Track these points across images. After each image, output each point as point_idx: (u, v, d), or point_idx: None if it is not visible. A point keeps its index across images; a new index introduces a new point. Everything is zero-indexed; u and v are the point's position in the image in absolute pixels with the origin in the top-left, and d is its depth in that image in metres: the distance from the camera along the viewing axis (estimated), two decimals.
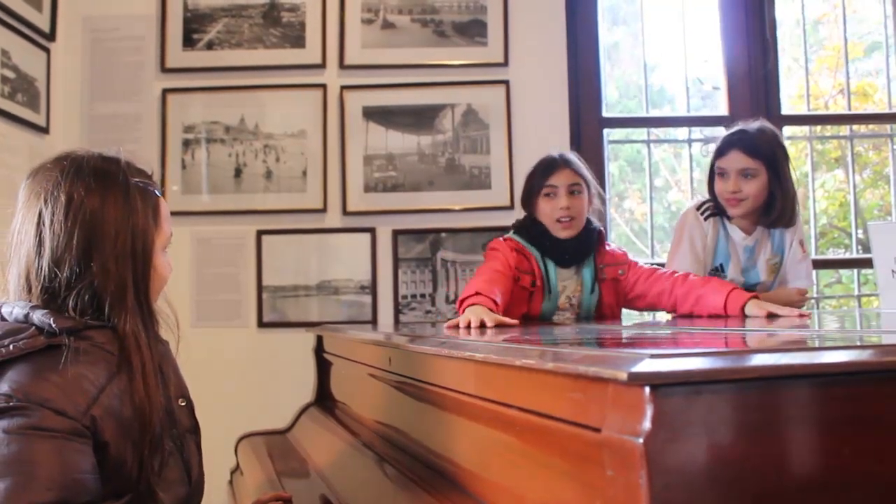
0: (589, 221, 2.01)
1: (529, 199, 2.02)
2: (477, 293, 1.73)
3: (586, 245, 2.01)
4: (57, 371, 0.97)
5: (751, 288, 2.08)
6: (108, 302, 1.05)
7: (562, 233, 1.96)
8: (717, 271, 2.10)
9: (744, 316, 1.72)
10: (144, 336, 1.07)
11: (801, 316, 1.62)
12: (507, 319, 1.65)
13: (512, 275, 1.90)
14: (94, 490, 0.97)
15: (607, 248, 2.06)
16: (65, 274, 1.04)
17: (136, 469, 1.02)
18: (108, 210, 1.06)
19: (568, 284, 2.00)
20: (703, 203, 2.13)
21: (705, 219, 2.11)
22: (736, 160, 2.01)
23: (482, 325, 1.57)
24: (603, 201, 2.11)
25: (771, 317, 1.64)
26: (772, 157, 2.02)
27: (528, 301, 1.95)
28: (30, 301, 1.05)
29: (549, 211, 1.96)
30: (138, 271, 1.08)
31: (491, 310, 1.66)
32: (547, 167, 2.00)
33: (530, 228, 2.00)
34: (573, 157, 2.04)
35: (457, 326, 1.60)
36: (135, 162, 1.15)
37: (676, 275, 1.97)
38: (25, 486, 0.91)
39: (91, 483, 0.97)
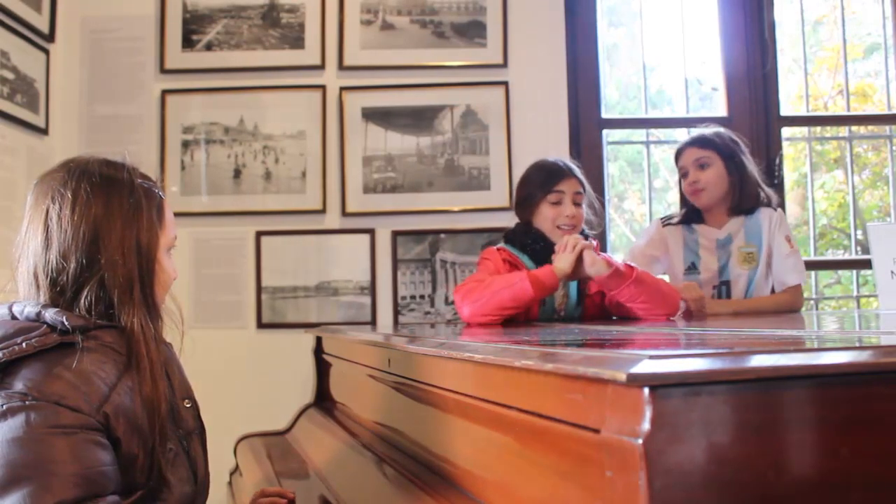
0: (582, 231, 2.01)
1: (529, 203, 2.00)
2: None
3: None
4: (70, 368, 0.98)
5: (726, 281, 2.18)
6: (115, 297, 1.07)
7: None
8: (691, 269, 2.21)
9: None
10: (151, 331, 1.09)
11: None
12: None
13: None
14: (117, 481, 0.99)
15: None
16: (72, 267, 1.06)
17: (146, 465, 1.04)
18: (114, 206, 1.09)
19: (556, 294, 1.98)
20: (669, 216, 2.32)
21: (663, 225, 2.28)
22: (689, 155, 2.22)
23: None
24: (596, 212, 2.08)
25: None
26: (724, 146, 2.18)
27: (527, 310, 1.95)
28: (39, 299, 1.07)
29: (553, 217, 1.96)
30: (143, 267, 1.11)
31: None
32: (554, 173, 1.99)
33: (523, 236, 1.99)
34: (575, 165, 2.04)
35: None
36: (139, 167, 1.18)
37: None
38: (49, 486, 0.92)
39: (113, 474, 0.98)
